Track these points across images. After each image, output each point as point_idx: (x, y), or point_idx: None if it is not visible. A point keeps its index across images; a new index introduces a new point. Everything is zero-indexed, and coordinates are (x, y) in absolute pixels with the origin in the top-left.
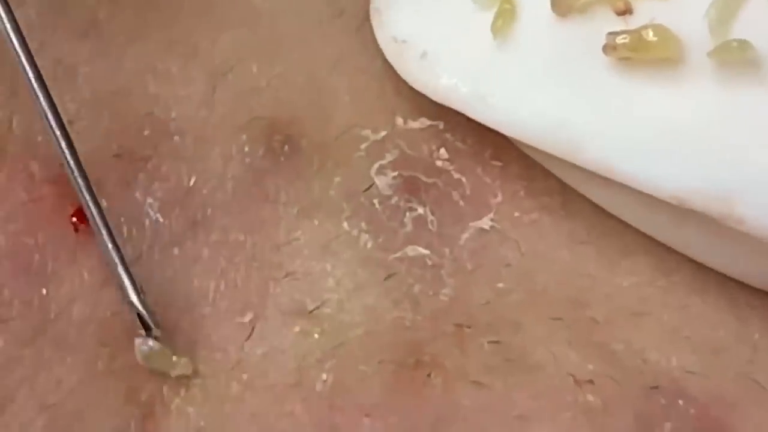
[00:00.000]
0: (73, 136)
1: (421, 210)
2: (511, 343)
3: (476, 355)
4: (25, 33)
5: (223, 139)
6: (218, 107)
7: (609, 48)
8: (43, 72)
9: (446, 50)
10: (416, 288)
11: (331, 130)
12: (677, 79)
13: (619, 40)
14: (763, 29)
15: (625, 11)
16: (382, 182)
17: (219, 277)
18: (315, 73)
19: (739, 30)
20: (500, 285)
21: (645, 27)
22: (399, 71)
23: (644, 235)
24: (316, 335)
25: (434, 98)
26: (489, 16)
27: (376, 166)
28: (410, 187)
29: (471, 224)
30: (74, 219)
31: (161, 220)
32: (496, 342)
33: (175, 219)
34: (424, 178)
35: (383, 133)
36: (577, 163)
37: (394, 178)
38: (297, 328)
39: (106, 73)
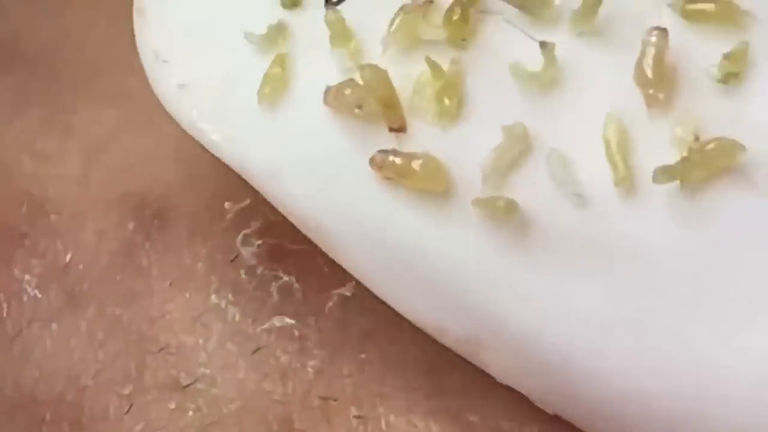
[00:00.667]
0: None
1: (286, 278)
2: (376, 416)
3: (343, 428)
4: None
5: (97, 215)
6: (92, 184)
7: (375, 165)
8: None
9: (208, 91)
10: (284, 360)
11: (198, 201)
12: (440, 214)
13: (389, 159)
14: (536, 191)
15: (400, 129)
16: (247, 252)
17: (98, 350)
18: (182, 145)
19: (512, 185)
20: (362, 356)
21: (415, 156)
22: (154, 89)
23: None
24: (191, 412)
25: (190, 133)
26: (262, 63)
27: (241, 235)
28: (276, 255)
29: (335, 291)
30: None
31: (39, 295)
32: (360, 417)
33: (53, 294)
34: (289, 245)
35: (247, 201)
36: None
37: (259, 246)
38: (173, 404)
39: None
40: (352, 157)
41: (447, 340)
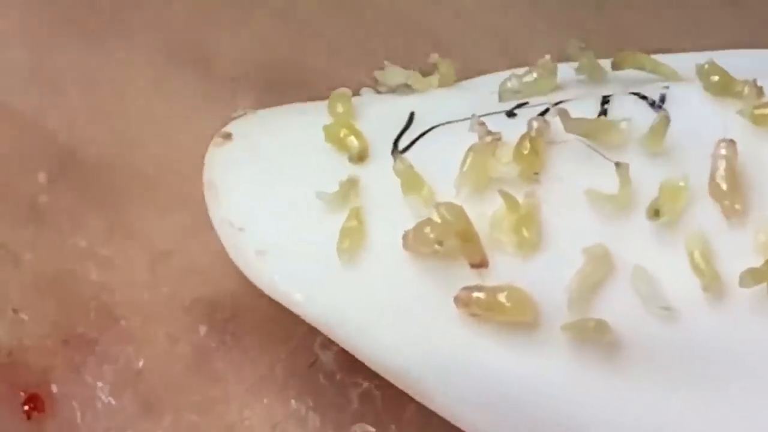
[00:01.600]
0: (18, 324)
1: (366, 384)
2: None
3: None
4: None
5: (167, 320)
6: (161, 289)
7: (461, 302)
8: None
9: (287, 255)
10: None
11: (272, 303)
12: (529, 344)
13: (473, 295)
14: (624, 311)
15: (481, 264)
16: (326, 356)
17: None
18: None
19: (599, 306)
20: None
21: (500, 288)
22: (233, 258)
23: None
24: None
25: (273, 297)
26: (338, 220)
27: (318, 340)
28: (355, 360)
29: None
30: (26, 407)
31: (113, 402)
32: None
33: (128, 401)
34: None
35: None
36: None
37: (337, 351)
38: None
39: (49, 259)
40: (436, 299)
41: None
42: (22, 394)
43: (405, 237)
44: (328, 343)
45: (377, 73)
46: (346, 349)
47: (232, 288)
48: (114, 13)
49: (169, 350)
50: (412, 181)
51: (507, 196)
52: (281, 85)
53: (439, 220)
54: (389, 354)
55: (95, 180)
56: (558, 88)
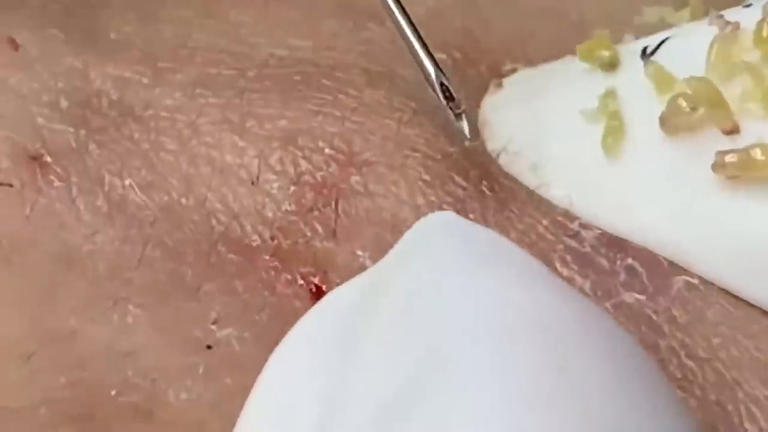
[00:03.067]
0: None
1: (630, 261)
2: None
3: None
4: None
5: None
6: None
7: (718, 166)
8: None
9: (557, 163)
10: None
11: None
12: None
13: (728, 158)
14: None
15: (733, 130)
16: (588, 234)
17: None
18: None
19: None
20: (716, 341)
21: (753, 146)
22: (511, 173)
23: None
24: None
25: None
26: (597, 129)
27: (578, 221)
28: (616, 243)
29: (679, 278)
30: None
31: None
32: None
33: None
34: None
35: None
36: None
37: (598, 234)
38: None
39: None
40: (694, 172)
41: None
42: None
43: (661, 116)
44: (588, 225)
45: (636, 18)
46: (617, 234)
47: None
48: None
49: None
50: (664, 81)
51: (753, 69)
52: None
53: (690, 92)
54: (654, 230)
55: None
56: None
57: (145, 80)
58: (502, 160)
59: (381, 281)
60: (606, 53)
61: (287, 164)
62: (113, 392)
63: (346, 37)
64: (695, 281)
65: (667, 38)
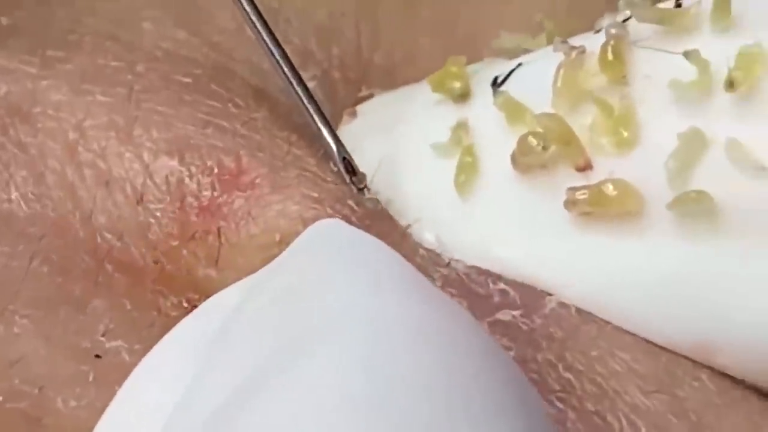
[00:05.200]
0: None
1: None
2: None
3: None
4: None
5: None
6: None
7: (570, 203)
8: None
9: (410, 200)
10: None
11: None
12: (639, 232)
13: (579, 195)
14: (721, 180)
15: (585, 167)
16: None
17: None
18: None
19: (697, 181)
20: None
21: (605, 182)
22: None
23: None
24: None
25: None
26: (448, 164)
27: None
28: None
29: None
30: None
31: None
32: None
33: None
34: None
35: None
36: None
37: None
38: None
39: None
40: (547, 209)
41: (683, 352)
42: None
43: (513, 155)
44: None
45: (494, 42)
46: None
47: None
48: None
49: None
50: (514, 110)
51: (600, 102)
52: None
53: (541, 130)
54: (513, 266)
55: None
56: None
57: (32, 70)
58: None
59: (259, 283)
60: (457, 85)
61: (172, 184)
62: (0, 399)
63: (233, 38)
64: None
65: (518, 65)
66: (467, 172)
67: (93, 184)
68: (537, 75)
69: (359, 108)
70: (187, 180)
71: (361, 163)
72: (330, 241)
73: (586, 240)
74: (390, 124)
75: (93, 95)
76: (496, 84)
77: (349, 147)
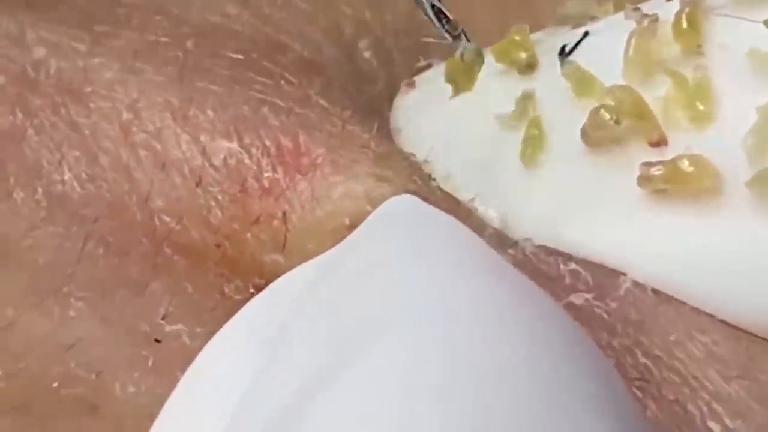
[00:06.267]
0: None
1: (573, 265)
2: None
3: None
4: None
5: None
6: None
7: (643, 179)
8: None
9: (471, 173)
10: None
11: None
12: (717, 210)
13: (654, 171)
14: None
15: (659, 142)
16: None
17: None
18: None
19: None
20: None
21: (681, 157)
22: None
23: None
24: None
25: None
26: (515, 137)
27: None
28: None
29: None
30: None
31: None
32: None
33: None
34: None
35: None
36: None
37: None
38: None
39: None
40: (619, 185)
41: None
42: None
43: (583, 129)
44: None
45: (559, 9)
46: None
47: None
48: None
49: None
50: (582, 81)
51: (674, 74)
52: None
53: (613, 103)
54: (582, 246)
55: None
56: None
57: (82, 47)
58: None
59: (331, 264)
60: (523, 54)
61: (232, 166)
62: (55, 384)
63: (283, 10)
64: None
65: (586, 34)
66: (534, 145)
67: (149, 166)
68: (606, 44)
69: (417, 79)
70: (247, 161)
71: (419, 137)
72: (405, 219)
73: (660, 218)
74: (450, 96)
75: (145, 74)
76: (563, 53)
77: (406, 119)
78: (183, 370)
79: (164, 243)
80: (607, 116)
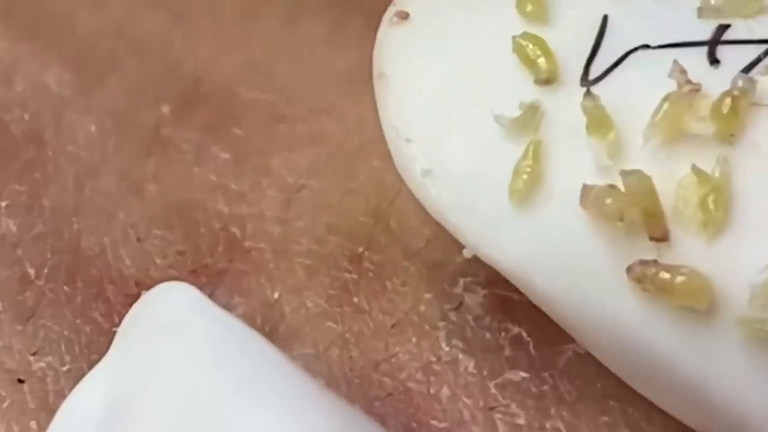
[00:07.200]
0: (143, 254)
1: (516, 329)
2: None
3: None
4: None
5: (303, 254)
6: (294, 222)
7: (633, 275)
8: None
9: (455, 181)
10: (521, 419)
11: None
12: (698, 329)
13: (649, 272)
14: None
15: (661, 239)
16: (472, 300)
17: None
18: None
19: None
20: (605, 419)
21: (680, 271)
22: (397, 167)
23: None
24: None
25: (431, 214)
26: (513, 150)
27: (462, 283)
28: (503, 306)
29: (568, 346)
30: None
31: None
32: None
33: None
34: (515, 296)
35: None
36: None
37: (484, 296)
38: None
39: (174, 190)
40: (608, 262)
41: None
42: None
43: (583, 195)
44: (472, 285)
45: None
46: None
47: (367, 223)
48: None
49: (306, 282)
50: (599, 122)
51: (698, 171)
52: None
53: (623, 190)
54: (552, 301)
55: (221, 112)
56: (765, 10)
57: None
58: (391, 142)
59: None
60: (545, 63)
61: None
62: None
63: None
64: (582, 352)
65: (618, 62)
66: (527, 179)
67: None
68: (637, 87)
69: (412, 6)
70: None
71: (408, 96)
72: (199, 336)
73: (640, 312)
74: (453, 49)
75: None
76: (586, 79)
77: (392, 68)
78: None
79: None
80: (614, 207)
